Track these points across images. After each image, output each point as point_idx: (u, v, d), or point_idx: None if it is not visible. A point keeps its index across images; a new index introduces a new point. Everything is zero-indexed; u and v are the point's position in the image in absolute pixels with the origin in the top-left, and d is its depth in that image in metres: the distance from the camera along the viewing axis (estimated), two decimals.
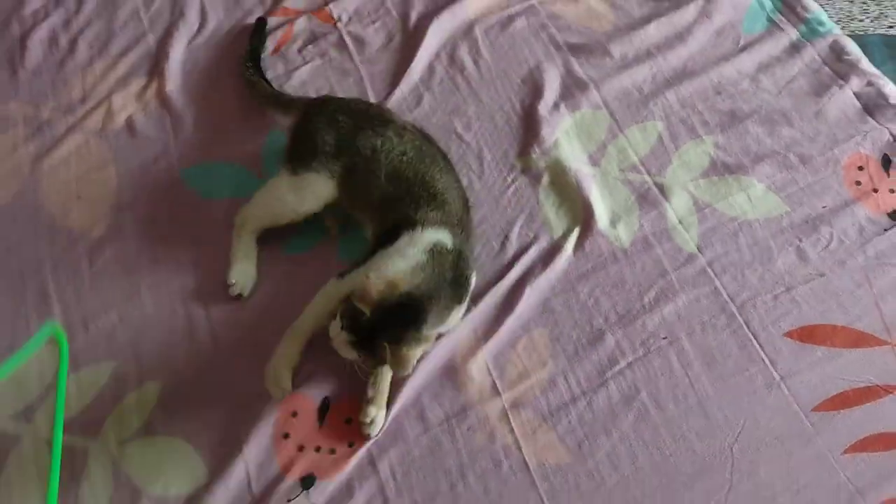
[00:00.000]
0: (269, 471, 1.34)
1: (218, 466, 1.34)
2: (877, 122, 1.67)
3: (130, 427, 1.37)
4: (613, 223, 1.57)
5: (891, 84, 1.72)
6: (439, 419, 1.38)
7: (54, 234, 1.58)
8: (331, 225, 1.55)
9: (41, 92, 1.77)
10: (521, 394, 1.40)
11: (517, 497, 1.31)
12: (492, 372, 1.42)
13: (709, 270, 1.51)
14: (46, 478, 1.31)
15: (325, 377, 1.42)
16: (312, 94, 1.73)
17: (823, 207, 1.57)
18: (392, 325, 1.25)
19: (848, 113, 1.69)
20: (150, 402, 1.40)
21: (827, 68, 1.76)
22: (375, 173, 1.45)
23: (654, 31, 1.82)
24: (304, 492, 1.31)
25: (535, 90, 1.75)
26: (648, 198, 1.60)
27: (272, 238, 1.53)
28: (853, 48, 1.78)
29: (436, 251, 1.36)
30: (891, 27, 2.10)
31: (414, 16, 1.88)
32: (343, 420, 1.37)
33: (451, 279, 1.35)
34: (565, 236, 1.55)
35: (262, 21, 1.83)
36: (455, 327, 1.42)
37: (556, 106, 1.72)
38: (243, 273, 1.50)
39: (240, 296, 1.48)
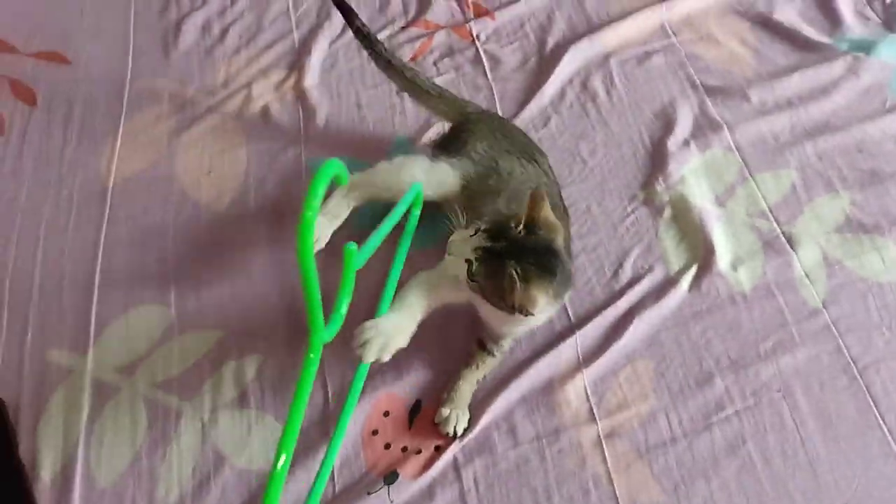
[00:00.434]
0: (354, 463, 1.33)
1: (303, 450, 1.33)
2: None
3: (226, 396, 1.39)
4: (735, 266, 1.51)
5: None
6: (530, 437, 1.34)
7: (182, 203, 1.63)
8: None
9: (189, 73, 1.86)
10: (619, 424, 1.34)
11: None
12: (590, 398, 1.37)
13: (833, 328, 1.43)
14: (138, 432, 1.35)
15: (420, 378, 1.41)
16: None
17: None
18: (534, 255, 1.17)
19: None
20: (248, 375, 1.41)
21: None
22: (500, 192, 1.44)
23: (797, 82, 1.77)
24: (386, 487, 1.29)
25: (666, 125, 1.72)
26: (775, 246, 1.53)
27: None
28: None
29: None
30: None
31: (551, 42, 1.90)
32: (433, 423, 1.35)
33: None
34: (682, 272, 1.51)
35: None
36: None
37: (686, 143, 1.69)
38: (321, 227, 1.45)
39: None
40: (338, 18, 1.94)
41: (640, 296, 1.48)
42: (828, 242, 1.54)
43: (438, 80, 1.81)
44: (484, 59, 1.87)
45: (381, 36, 1.91)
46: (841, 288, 1.48)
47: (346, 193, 1.51)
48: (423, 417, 1.37)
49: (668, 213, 1.59)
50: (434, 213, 1.56)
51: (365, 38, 1.67)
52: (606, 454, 1.32)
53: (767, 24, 1.89)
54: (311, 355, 1.16)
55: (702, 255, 1.52)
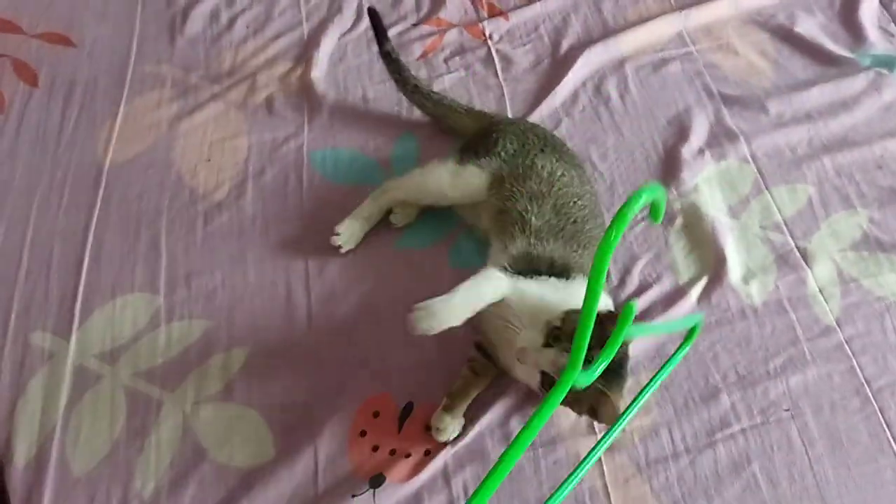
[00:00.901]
0: (339, 464, 1.27)
1: (287, 448, 1.29)
2: None
3: (209, 389, 1.34)
4: (746, 279, 1.45)
5: None
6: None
7: (178, 189, 1.59)
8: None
9: (194, 60, 1.83)
10: (619, 438, 1.28)
11: None
12: None
13: (846, 347, 1.37)
14: (117, 421, 1.30)
15: (413, 380, 1.35)
16: None
17: None
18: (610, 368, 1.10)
19: None
20: (233, 368, 1.36)
21: None
22: (545, 196, 1.38)
23: (816, 95, 1.72)
24: (371, 490, 1.23)
25: (680, 133, 1.66)
26: (789, 261, 1.47)
27: (388, 229, 1.50)
28: None
29: None
30: None
31: (566, 45, 1.85)
32: (424, 426, 1.30)
33: None
34: (692, 283, 1.45)
35: (372, 10, 1.73)
36: None
37: (700, 152, 1.63)
38: (353, 230, 1.48)
39: (339, 248, 1.47)
40: (348, 12, 1.92)
41: (647, 305, 1.42)
42: (843, 259, 1.48)
43: (448, 78, 1.79)
44: (496, 59, 1.82)
45: (392, 32, 1.87)
46: (856, 307, 1.42)
47: (379, 197, 1.51)
48: (414, 420, 1.31)
49: (679, 222, 1.53)
50: (435, 212, 1.52)
51: (393, 62, 1.67)
52: (604, 467, 1.26)
53: (788, 37, 1.84)
54: (558, 391, 1.01)
55: (712, 266, 1.46)
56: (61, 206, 1.57)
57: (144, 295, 1.44)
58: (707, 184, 1.58)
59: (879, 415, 1.30)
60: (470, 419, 1.29)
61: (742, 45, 1.84)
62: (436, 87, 1.74)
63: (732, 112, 1.70)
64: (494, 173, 1.42)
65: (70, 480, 1.25)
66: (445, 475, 1.25)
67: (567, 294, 1.24)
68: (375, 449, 1.29)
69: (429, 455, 1.27)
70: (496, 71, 1.80)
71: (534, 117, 1.69)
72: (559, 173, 1.41)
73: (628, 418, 1.25)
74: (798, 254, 1.49)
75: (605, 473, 1.25)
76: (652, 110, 1.71)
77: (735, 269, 1.46)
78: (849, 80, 1.75)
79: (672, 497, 1.23)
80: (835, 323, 1.40)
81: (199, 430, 1.30)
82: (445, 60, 1.83)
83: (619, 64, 1.81)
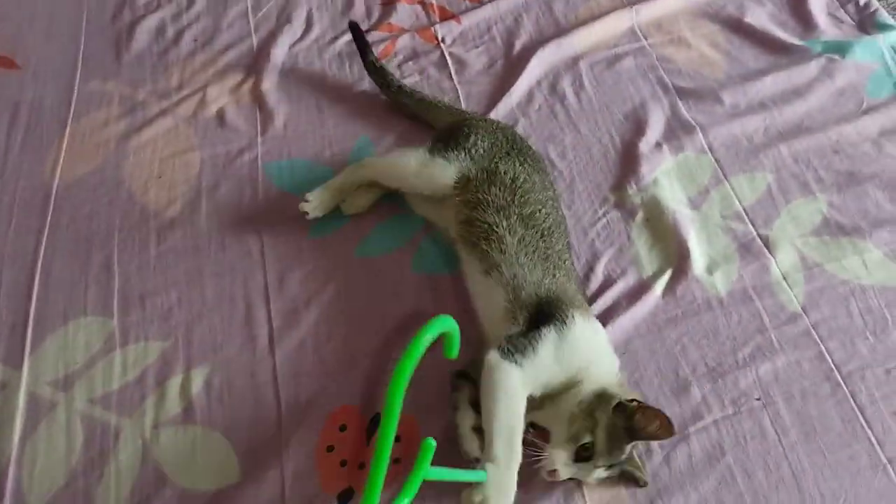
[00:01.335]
0: (307, 481, 1.23)
1: (252, 468, 1.24)
2: None
3: (169, 412, 1.30)
4: (710, 270, 1.44)
5: None
6: None
7: (129, 208, 1.55)
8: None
9: (140, 76, 1.79)
10: None
11: None
12: None
13: (813, 333, 1.37)
14: (73, 450, 1.25)
15: (380, 392, 1.31)
16: None
17: None
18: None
19: None
20: (193, 389, 1.32)
21: None
22: (510, 205, 1.35)
23: (770, 84, 1.73)
24: None
25: (637, 127, 1.66)
26: (751, 249, 1.47)
27: (347, 237, 1.47)
28: None
29: None
30: None
31: (518, 45, 1.84)
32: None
33: None
34: (656, 277, 1.44)
35: (354, 24, 1.75)
36: None
37: (658, 145, 1.63)
38: (323, 198, 1.47)
39: (305, 214, 1.46)
40: (298, 22, 1.90)
41: (612, 301, 1.41)
42: (805, 245, 1.48)
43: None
44: (449, 62, 1.81)
45: (344, 39, 1.85)
46: (821, 292, 1.42)
47: (354, 171, 1.50)
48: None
49: (640, 216, 1.52)
50: (394, 218, 1.50)
51: (378, 70, 1.69)
52: None
53: (739, 27, 1.85)
54: None
55: (676, 258, 1.45)
56: (9, 230, 1.52)
57: (97, 318, 1.40)
58: (666, 177, 1.58)
59: (851, 399, 1.29)
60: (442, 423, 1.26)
61: (694, 38, 1.84)
62: None
63: (688, 104, 1.71)
64: (461, 170, 1.41)
65: None
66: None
67: (576, 353, 1.21)
68: (343, 464, 1.25)
69: (398, 463, 1.24)
70: (450, 74, 1.79)
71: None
72: (521, 178, 1.39)
73: None
74: (760, 242, 1.48)
75: None
76: (608, 106, 1.71)
77: (698, 260, 1.45)
78: (801, 68, 1.76)
79: (648, 495, 1.20)
80: (801, 309, 1.40)
81: (160, 455, 1.25)
82: (399, 66, 1.81)
83: (573, 62, 1.80)
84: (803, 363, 1.33)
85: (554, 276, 1.30)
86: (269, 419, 1.29)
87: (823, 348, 1.35)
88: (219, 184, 1.58)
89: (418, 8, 1.94)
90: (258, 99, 1.73)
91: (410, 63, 1.81)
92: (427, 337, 0.88)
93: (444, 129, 1.52)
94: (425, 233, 1.50)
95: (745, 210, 1.53)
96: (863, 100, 1.71)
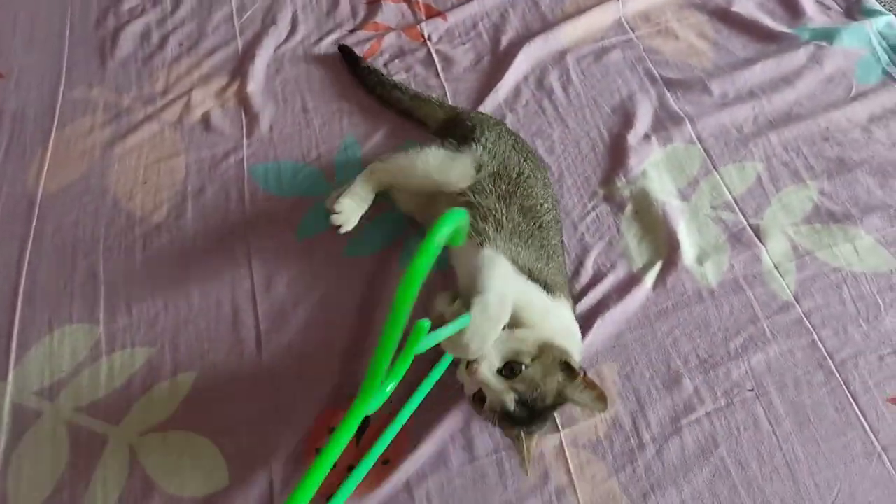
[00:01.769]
0: (296, 484, 1.20)
1: (241, 473, 1.23)
2: None
3: (156, 418, 1.28)
4: (701, 261, 1.43)
5: None
6: (488, 450, 1.24)
7: (115, 215, 1.53)
8: None
9: (125, 82, 1.77)
10: (583, 431, 1.25)
11: None
12: None
13: (806, 321, 1.35)
14: (59, 460, 1.24)
15: None
16: None
17: None
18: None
19: None
20: (180, 395, 1.31)
21: None
22: (513, 196, 1.34)
23: (758, 73, 1.71)
24: None
25: (625, 120, 1.64)
26: (742, 239, 1.46)
27: (334, 238, 1.45)
28: None
29: None
30: None
31: (505, 41, 1.83)
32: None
33: None
34: (646, 269, 1.42)
35: (345, 48, 1.80)
36: None
37: (646, 137, 1.61)
38: (352, 209, 1.42)
39: (339, 228, 1.41)
40: (283, 24, 1.88)
41: (602, 295, 1.39)
42: (797, 233, 1.46)
43: None
44: (436, 60, 1.79)
45: (330, 40, 1.84)
46: (812, 280, 1.40)
47: (368, 179, 1.45)
48: (370, 434, 1.26)
49: (629, 209, 1.51)
50: (380, 217, 1.49)
51: (371, 73, 1.70)
52: (570, 464, 1.22)
53: (726, 17, 1.84)
54: (350, 420, 1.01)
55: (666, 250, 1.44)
56: None
57: (83, 326, 1.38)
58: (655, 168, 1.56)
59: (844, 387, 1.28)
60: (431, 428, 1.25)
61: (681, 29, 1.83)
62: None
63: (676, 95, 1.69)
64: (478, 161, 1.38)
65: None
66: (408, 486, 1.21)
67: (551, 315, 1.21)
68: (333, 466, 1.23)
69: (388, 464, 1.22)
70: (437, 71, 1.77)
71: None
72: (526, 174, 1.38)
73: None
74: (751, 231, 1.47)
75: (572, 470, 1.21)
76: (595, 99, 1.69)
77: (689, 251, 1.44)
78: (789, 56, 1.74)
79: (641, 489, 1.19)
80: (792, 298, 1.38)
81: (148, 462, 1.24)
82: (385, 64, 1.79)
83: (560, 56, 1.78)
84: (796, 352, 1.32)
85: (547, 263, 1.29)
86: (256, 423, 1.27)
87: (816, 336, 1.33)
88: (204, 188, 1.57)
89: (404, 6, 1.93)
90: (243, 102, 1.71)
91: (397, 61, 1.79)
92: (445, 230, 0.87)
93: (446, 124, 1.53)
94: (411, 232, 1.48)
95: (735, 200, 1.51)
96: (852, 86, 1.69)
